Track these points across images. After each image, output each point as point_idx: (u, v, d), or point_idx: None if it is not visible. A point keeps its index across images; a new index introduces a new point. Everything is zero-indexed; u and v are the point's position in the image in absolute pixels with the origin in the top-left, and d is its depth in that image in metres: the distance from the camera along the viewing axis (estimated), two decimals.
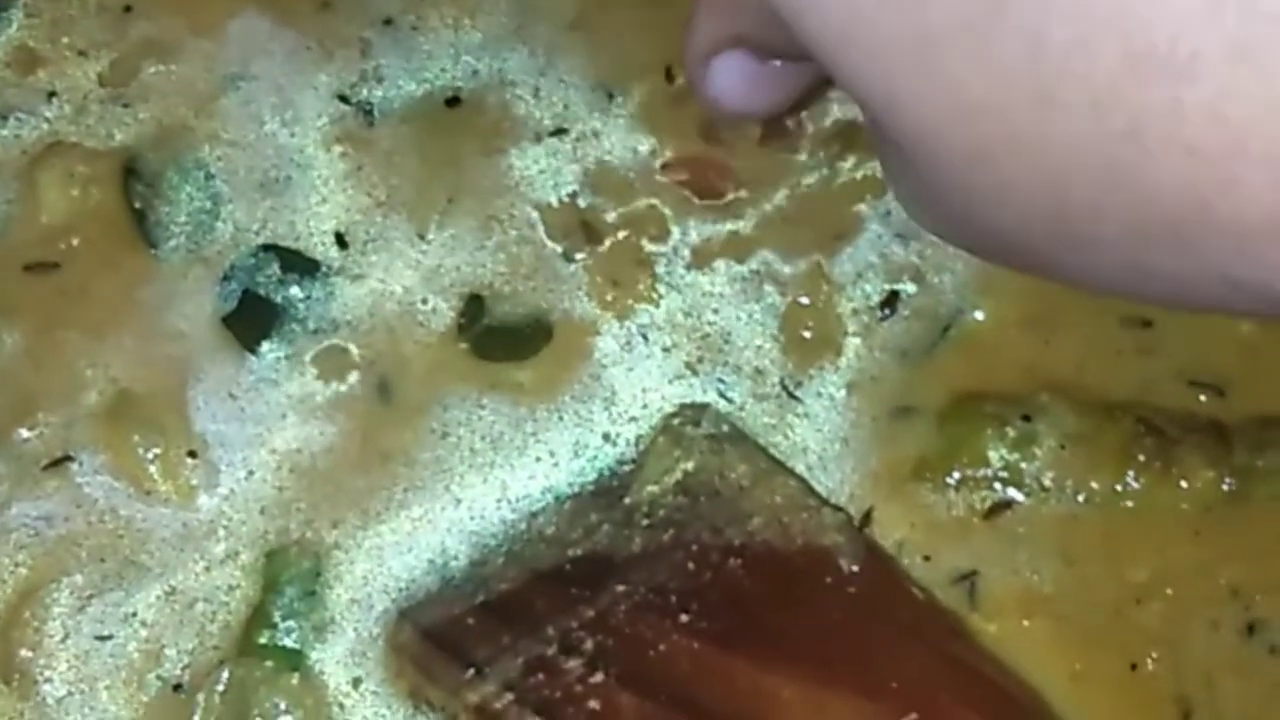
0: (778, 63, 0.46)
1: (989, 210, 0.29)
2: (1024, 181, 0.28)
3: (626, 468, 0.53)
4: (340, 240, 0.56)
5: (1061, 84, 0.26)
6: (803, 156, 0.57)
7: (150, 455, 0.53)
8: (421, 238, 0.56)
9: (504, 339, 0.54)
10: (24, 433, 0.54)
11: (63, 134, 0.58)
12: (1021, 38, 0.26)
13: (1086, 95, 0.26)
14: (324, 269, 0.55)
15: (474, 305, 0.55)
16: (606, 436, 0.54)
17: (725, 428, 0.53)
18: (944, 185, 0.29)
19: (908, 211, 0.35)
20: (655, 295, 0.55)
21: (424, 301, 0.55)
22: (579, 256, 0.56)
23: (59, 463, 0.53)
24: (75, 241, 0.56)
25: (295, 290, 0.55)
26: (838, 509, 0.52)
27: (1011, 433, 0.53)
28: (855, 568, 0.49)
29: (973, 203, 0.29)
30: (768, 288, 0.56)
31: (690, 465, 0.52)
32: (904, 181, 0.33)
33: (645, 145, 0.57)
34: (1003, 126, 0.27)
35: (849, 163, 0.57)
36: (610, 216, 0.56)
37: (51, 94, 0.59)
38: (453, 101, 0.58)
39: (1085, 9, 0.25)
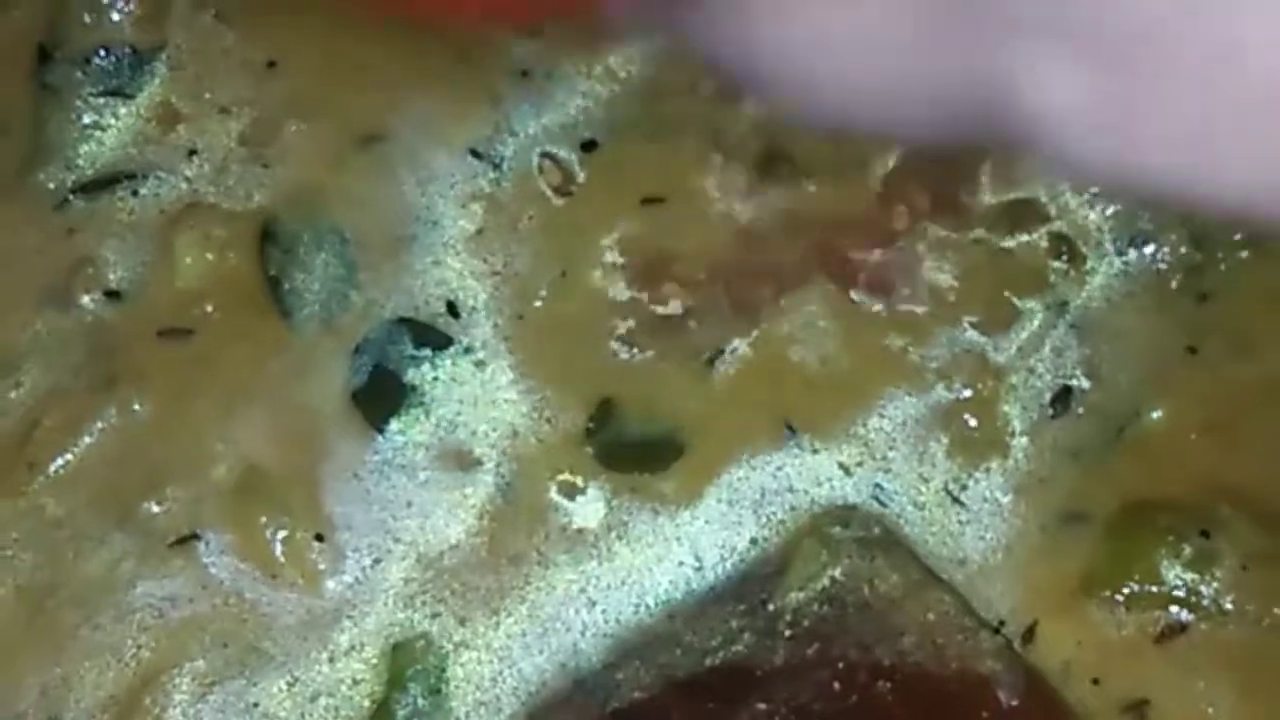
0: None
1: None
2: None
3: (771, 570, 0.50)
4: (452, 309, 0.54)
5: None
6: (971, 234, 0.53)
7: (277, 537, 0.52)
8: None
9: (635, 450, 0.52)
10: (152, 507, 0.52)
11: (201, 194, 0.57)
12: None
13: None
14: (455, 346, 0.53)
15: (604, 411, 0.53)
16: (754, 541, 0.51)
17: (877, 531, 0.50)
18: None
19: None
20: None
21: (552, 398, 0.53)
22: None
23: (185, 540, 0.52)
24: (209, 308, 0.55)
25: (426, 368, 0.53)
26: (997, 631, 0.48)
27: (1188, 550, 0.49)
28: (1015, 701, 0.46)
29: None
30: (930, 379, 0.52)
31: (838, 572, 0.49)
32: None
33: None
34: None
35: (1017, 241, 0.53)
36: None
37: (192, 152, 0.57)
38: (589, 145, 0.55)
39: None
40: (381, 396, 0.53)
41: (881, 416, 0.52)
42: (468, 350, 0.53)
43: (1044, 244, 0.53)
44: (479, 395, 0.53)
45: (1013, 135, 0.24)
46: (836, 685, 0.47)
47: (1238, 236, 0.52)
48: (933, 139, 0.29)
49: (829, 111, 0.28)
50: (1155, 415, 0.51)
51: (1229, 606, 0.49)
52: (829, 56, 0.26)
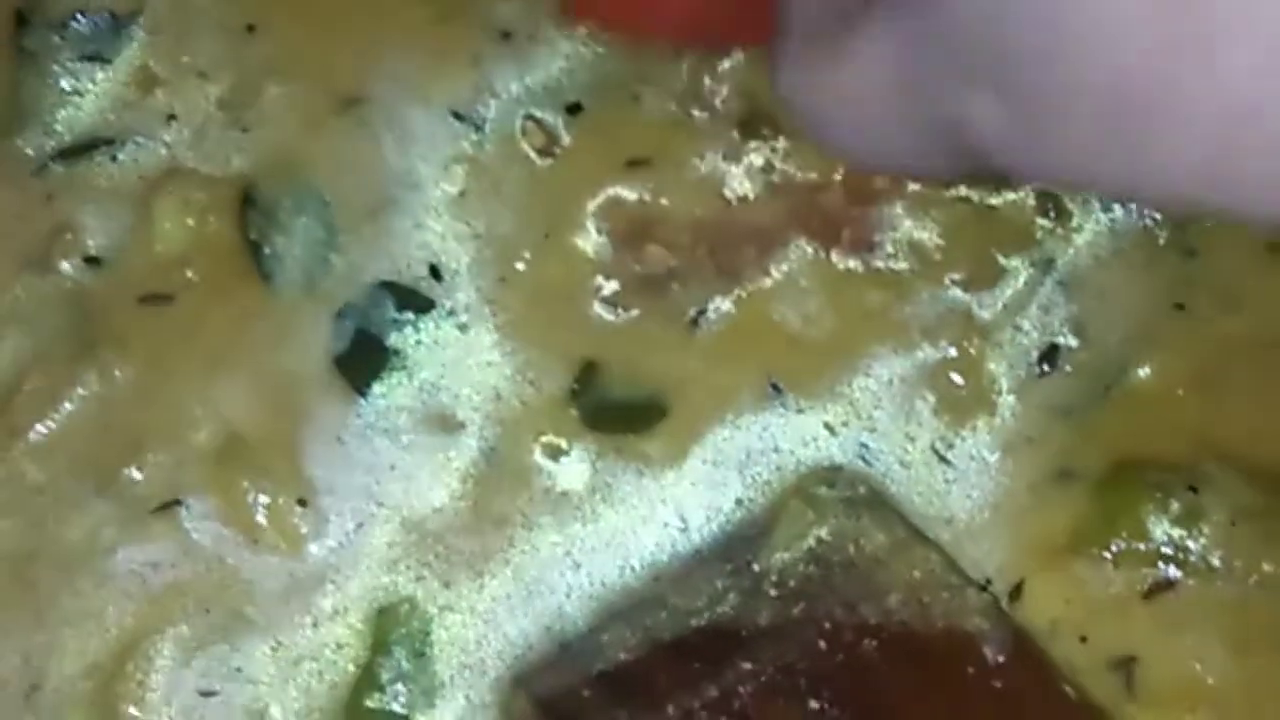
0: None
1: None
2: None
3: (756, 531, 0.50)
4: (434, 272, 0.53)
5: None
6: (955, 191, 0.53)
7: (259, 502, 0.51)
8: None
9: (620, 412, 0.52)
10: (133, 473, 0.52)
11: (180, 159, 0.56)
12: None
13: None
14: (438, 310, 0.53)
15: (587, 373, 0.52)
16: (739, 501, 0.51)
17: (863, 490, 0.50)
18: None
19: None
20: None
21: (535, 361, 0.52)
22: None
23: (167, 506, 0.51)
24: (190, 273, 0.54)
25: (409, 331, 0.53)
26: (983, 589, 0.48)
27: (1176, 505, 0.49)
28: (1001, 658, 0.46)
29: None
30: (916, 337, 0.52)
31: (823, 532, 0.49)
32: None
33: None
34: None
35: (1003, 199, 0.53)
36: None
37: (171, 117, 0.57)
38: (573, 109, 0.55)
39: None
40: (364, 360, 0.53)
41: (867, 376, 0.52)
42: (450, 313, 0.53)
43: (1030, 201, 0.53)
44: (462, 358, 0.53)
45: (980, 163, 0.32)
46: (822, 644, 0.47)
47: None
48: (950, 176, 0.38)
49: (860, 156, 0.36)
50: (1143, 372, 0.51)
51: (1217, 563, 0.48)
52: (842, 106, 0.34)
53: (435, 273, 0.54)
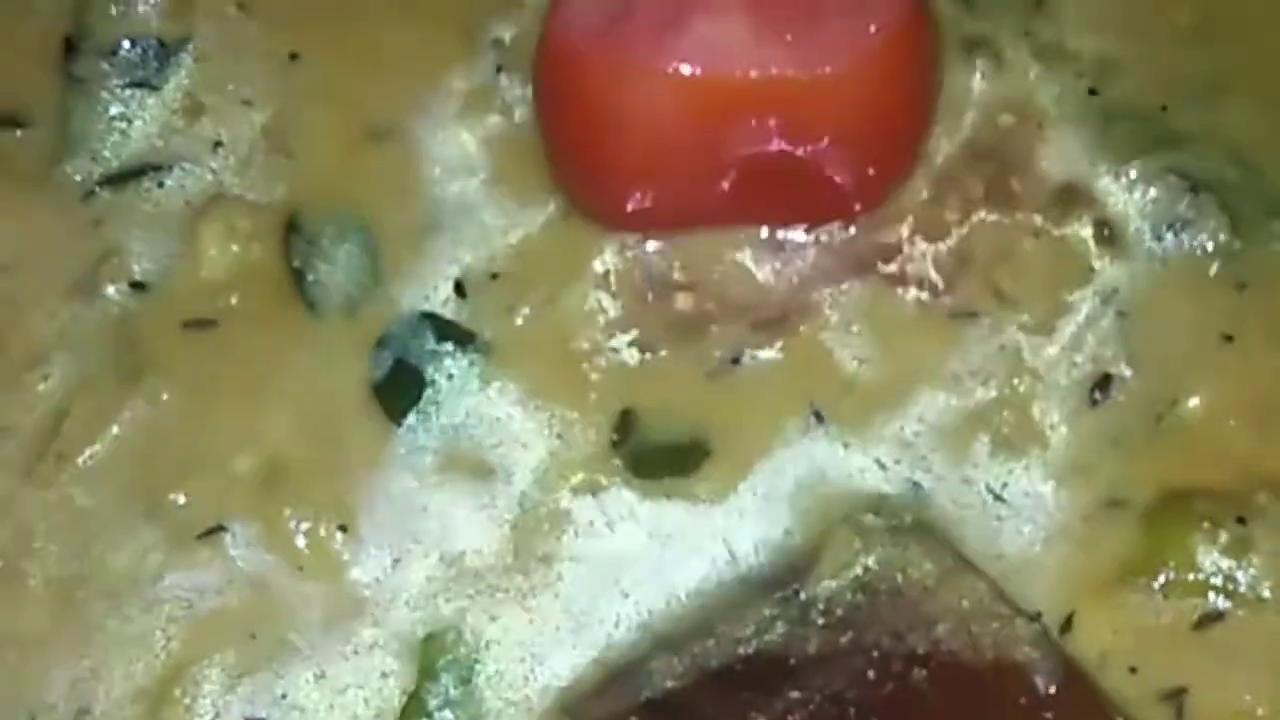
0: None
1: None
2: None
3: (804, 560, 0.50)
4: (462, 297, 0.54)
5: None
6: (1019, 216, 0.53)
7: (301, 529, 0.51)
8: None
9: (662, 456, 0.52)
10: (179, 498, 0.52)
11: (226, 186, 0.56)
12: None
13: None
14: (478, 342, 0.53)
15: (625, 422, 0.52)
16: (788, 531, 0.51)
17: (909, 519, 0.50)
18: None
19: None
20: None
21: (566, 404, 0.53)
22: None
23: (212, 532, 0.51)
24: (234, 299, 0.55)
25: (448, 363, 0.53)
26: (1033, 619, 0.48)
27: (1225, 536, 0.48)
28: (1052, 689, 0.45)
29: None
30: (968, 375, 0.52)
31: (871, 560, 0.48)
32: None
33: None
34: None
35: (1071, 229, 0.53)
36: None
37: (217, 144, 0.57)
38: None
39: None
40: (401, 390, 0.53)
41: (920, 417, 0.52)
42: (487, 350, 0.53)
43: (1087, 230, 0.53)
44: (494, 398, 0.53)
45: None
46: (871, 674, 0.46)
47: (1278, 225, 0.52)
48: None
49: None
50: (1193, 403, 0.51)
51: (1266, 594, 0.48)
52: None
53: (464, 299, 0.54)
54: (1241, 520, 0.49)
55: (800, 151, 0.49)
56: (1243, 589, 0.48)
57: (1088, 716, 0.46)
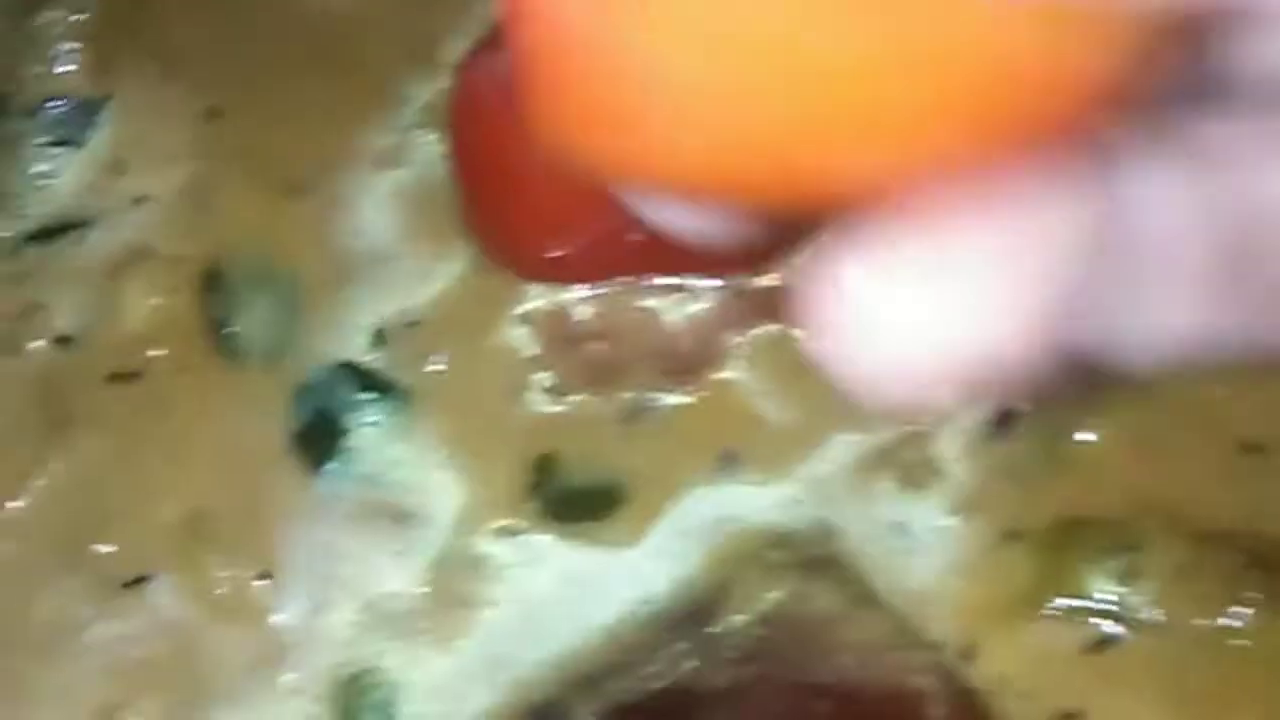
0: None
1: None
2: None
3: (715, 596, 0.51)
4: (382, 348, 0.55)
5: None
6: None
7: (223, 575, 0.52)
8: None
9: (577, 499, 0.53)
10: (102, 548, 0.53)
11: (149, 241, 0.58)
12: None
13: None
14: (397, 391, 0.54)
15: (539, 466, 0.54)
16: (703, 569, 0.52)
17: (817, 553, 0.51)
18: None
19: None
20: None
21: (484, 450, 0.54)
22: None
23: (137, 581, 0.52)
24: (157, 351, 0.56)
25: (367, 411, 0.54)
26: (932, 647, 0.49)
27: (1115, 563, 0.50)
28: (944, 716, 0.47)
29: None
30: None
31: (777, 594, 0.50)
32: None
33: None
34: None
35: None
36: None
37: (139, 200, 0.58)
38: None
39: None
40: (319, 439, 0.54)
41: (828, 457, 0.53)
42: (406, 397, 0.54)
43: None
44: (413, 445, 0.54)
45: None
46: (777, 706, 0.48)
47: None
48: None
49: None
50: (1088, 435, 0.53)
51: (1159, 618, 0.50)
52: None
53: (384, 350, 0.55)
54: (1132, 547, 0.50)
55: None
56: (1134, 614, 0.50)
57: None
